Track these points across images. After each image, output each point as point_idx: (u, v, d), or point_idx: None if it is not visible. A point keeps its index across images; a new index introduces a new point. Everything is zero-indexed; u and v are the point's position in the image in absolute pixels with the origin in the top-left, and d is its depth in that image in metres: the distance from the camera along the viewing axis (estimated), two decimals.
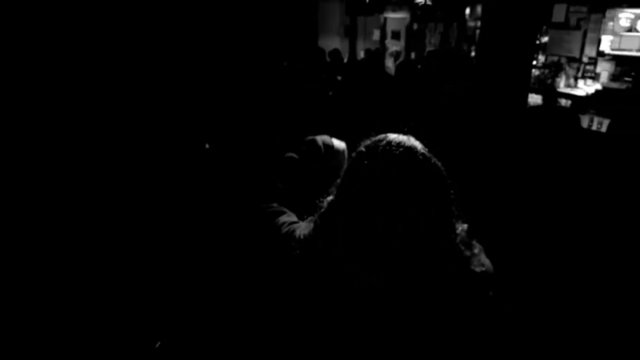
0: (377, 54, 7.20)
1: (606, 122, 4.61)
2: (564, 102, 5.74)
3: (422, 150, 0.96)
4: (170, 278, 2.24)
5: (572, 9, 6.29)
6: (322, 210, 1.00)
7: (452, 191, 0.97)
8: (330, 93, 5.95)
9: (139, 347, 1.79)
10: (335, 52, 7.14)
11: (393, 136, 0.97)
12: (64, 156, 2.68)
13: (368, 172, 0.92)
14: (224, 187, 3.59)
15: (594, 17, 6.11)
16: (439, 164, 0.97)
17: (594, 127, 4.99)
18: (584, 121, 5.07)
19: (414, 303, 0.88)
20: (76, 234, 2.42)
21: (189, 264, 2.37)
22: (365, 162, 0.94)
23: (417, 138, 1.01)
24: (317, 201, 1.01)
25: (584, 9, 6.19)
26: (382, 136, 0.98)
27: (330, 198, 0.99)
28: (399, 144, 0.95)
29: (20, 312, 2.03)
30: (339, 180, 0.98)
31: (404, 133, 1.01)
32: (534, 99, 5.67)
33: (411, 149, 0.95)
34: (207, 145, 4.32)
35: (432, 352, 0.88)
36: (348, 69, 6.81)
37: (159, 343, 1.53)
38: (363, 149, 0.97)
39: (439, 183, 0.94)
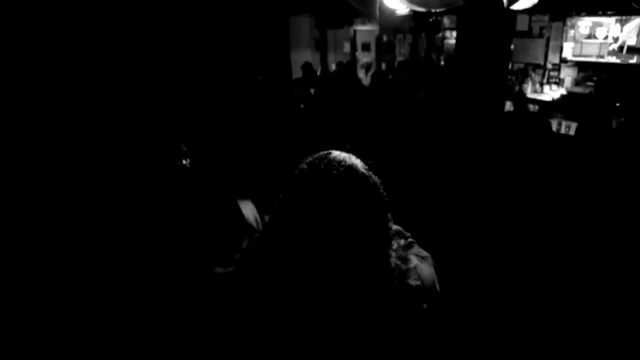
0: (349, 66, 7.29)
1: (574, 125, 4.78)
2: (531, 107, 5.93)
3: (362, 170, 0.98)
4: (169, 278, 2.19)
5: (534, 18, 6.53)
6: (265, 221, 1.03)
7: (388, 208, 1.00)
8: (302, 106, 5.99)
9: (138, 347, 1.75)
10: (307, 66, 7.19)
11: (335, 154, 0.99)
12: (51, 157, 2.63)
13: (307, 188, 0.94)
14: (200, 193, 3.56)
15: (555, 25, 6.36)
16: (378, 182, 1.00)
17: (563, 131, 5.17)
18: (553, 125, 5.25)
19: (343, 315, 0.90)
20: (72, 234, 2.37)
21: (186, 264, 2.33)
22: (306, 177, 0.96)
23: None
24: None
25: (546, 18, 6.45)
26: (324, 153, 1.00)
27: (274, 208, 1.01)
28: (340, 162, 0.96)
29: (19, 312, 2.00)
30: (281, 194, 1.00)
31: (347, 150, 1.04)
32: (505, 105, 5.84)
33: (351, 168, 0.97)
34: (185, 162, 4.27)
35: None
36: (321, 82, 6.87)
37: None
38: (305, 166, 0.98)
39: (375, 201, 0.97)
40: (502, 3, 4.24)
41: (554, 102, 5.90)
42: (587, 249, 2.75)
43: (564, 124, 5.24)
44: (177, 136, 4.22)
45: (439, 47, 8.20)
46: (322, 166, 0.96)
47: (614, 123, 4.44)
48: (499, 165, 3.27)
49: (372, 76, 5.98)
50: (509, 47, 5.36)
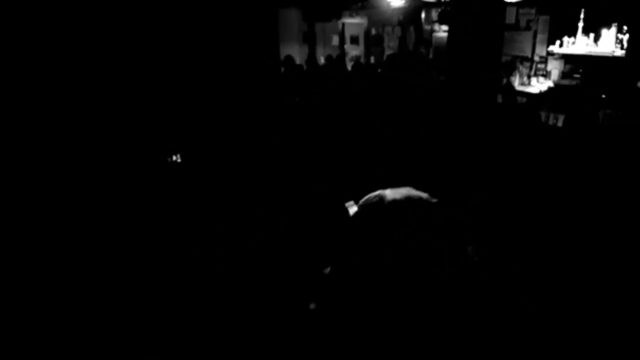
0: (339, 60, 7.28)
1: (561, 118, 4.86)
2: (519, 99, 6.01)
3: (425, 199, 0.94)
4: (170, 277, 2.20)
5: (521, 10, 6.60)
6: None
7: (458, 228, 0.96)
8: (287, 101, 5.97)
9: (139, 346, 1.76)
10: (289, 59, 7.10)
11: (389, 194, 0.94)
12: (46, 157, 2.62)
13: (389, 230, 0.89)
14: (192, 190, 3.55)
15: (542, 18, 6.43)
16: (442, 210, 0.94)
17: (550, 122, 5.25)
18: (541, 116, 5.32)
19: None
20: (73, 234, 2.36)
21: (188, 264, 2.34)
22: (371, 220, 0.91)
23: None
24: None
25: (533, 11, 6.52)
26: (378, 195, 0.95)
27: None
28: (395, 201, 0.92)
29: (20, 312, 1.99)
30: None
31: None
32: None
33: (413, 202, 0.92)
34: (175, 158, 4.26)
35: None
36: (309, 76, 6.86)
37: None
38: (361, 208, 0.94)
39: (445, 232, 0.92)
40: None
41: (541, 95, 5.98)
42: (578, 240, 2.80)
43: (551, 116, 5.32)
44: (168, 133, 4.22)
45: (428, 40, 8.24)
46: (384, 205, 0.91)
47: (600, 115, 4.52)
48: (491, 157, 3.32)
49: (352, 67, 5.99)
50: (501, 39, 5.43)
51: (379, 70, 6.43)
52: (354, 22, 9.50)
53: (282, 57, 8.04)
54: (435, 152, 3.48)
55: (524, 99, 6.01)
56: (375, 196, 0.94)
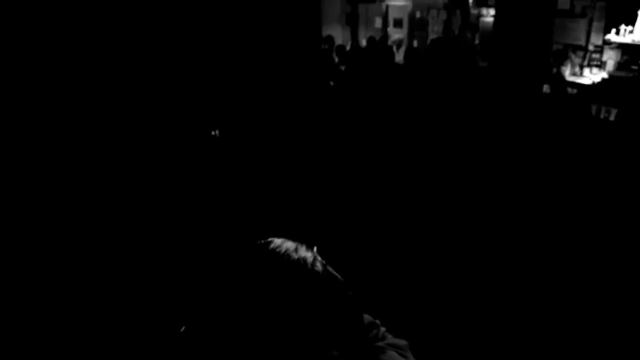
0: (381, 43, 7.13)
1: (614, 112, 4.60)
2: (569, 90, 5.72)
3: (315, 265, 0.81)
4: (178, 277, 2.23)
5: None
6: None
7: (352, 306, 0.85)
8: (332, 83, 5.91)
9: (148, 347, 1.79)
10: (329, 39, 7.02)
11: (277, 243, 0.83)
12: (65, 154, 2.67)
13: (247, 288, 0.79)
14: (229, 179, 3.60)
15: (599, 4, 6.06)
16: (336, 278, 0.83)
17: (602, 116, 4.97)
18: (592, 110, 5.05)
19: None
20: (81, 232, 2.40)
21: (196, 262, 2.36)
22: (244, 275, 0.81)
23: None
24: None
25: None
26: (264, 242, 0.84)
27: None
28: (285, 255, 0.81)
29: (24, 312, 2.02)
30: None
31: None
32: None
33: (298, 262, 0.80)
34: (214, 133, 4.31)
35: None
36: (352, 58, 6.75)
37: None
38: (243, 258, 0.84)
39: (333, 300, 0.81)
40: None
41: (593, 86, 5.67)
42: (626, 235, 2.67)
43: (603, 109, 5.04)
44: (209, 115, 4.27)
45: (474, 25, 7.94)
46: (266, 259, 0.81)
47: None
48: (535, 150, 3.18)
49: (405, 53, 5.85)
50: (551, 27, 5.16)
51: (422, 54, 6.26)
52: (398, 5, 9.27)
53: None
54: (473, 143, 3.38)
55: (574, 90, 5.72)
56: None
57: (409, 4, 9.08)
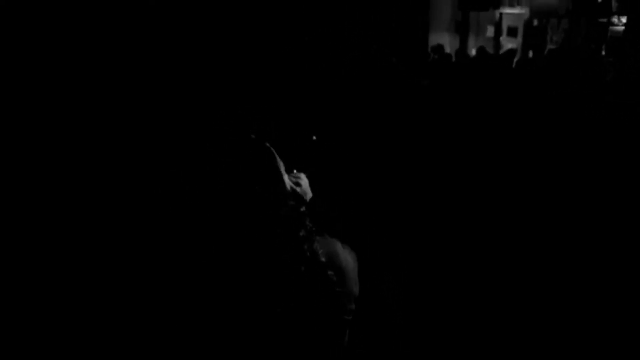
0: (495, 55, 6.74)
1: None
2: None
3: None
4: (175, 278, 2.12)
5: None
6: None
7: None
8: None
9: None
10: (439, 48, 6.79)
11: None
12: (62, 157, 2.59)
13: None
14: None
15: None
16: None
17: None
18: None
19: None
20: (82, 234, 2.30)
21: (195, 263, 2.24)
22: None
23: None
24: None
25: None
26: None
27: None
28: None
29: (22, 313, 2.01)
30: None
31: None
32: None
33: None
34: (314, 137, 4.33)
35: None
36: (456, 69, 6.46)
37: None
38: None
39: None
40: None
41: None
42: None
43: None
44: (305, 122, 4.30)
45: (602, 35, 7.21)
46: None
47: None
48: None
49: (517, 64, 5.48)
50: None
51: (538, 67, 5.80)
52: (513, 12, 8.73)
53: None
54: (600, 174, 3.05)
55: None
56: None
57: (526, 11, 8.51)
